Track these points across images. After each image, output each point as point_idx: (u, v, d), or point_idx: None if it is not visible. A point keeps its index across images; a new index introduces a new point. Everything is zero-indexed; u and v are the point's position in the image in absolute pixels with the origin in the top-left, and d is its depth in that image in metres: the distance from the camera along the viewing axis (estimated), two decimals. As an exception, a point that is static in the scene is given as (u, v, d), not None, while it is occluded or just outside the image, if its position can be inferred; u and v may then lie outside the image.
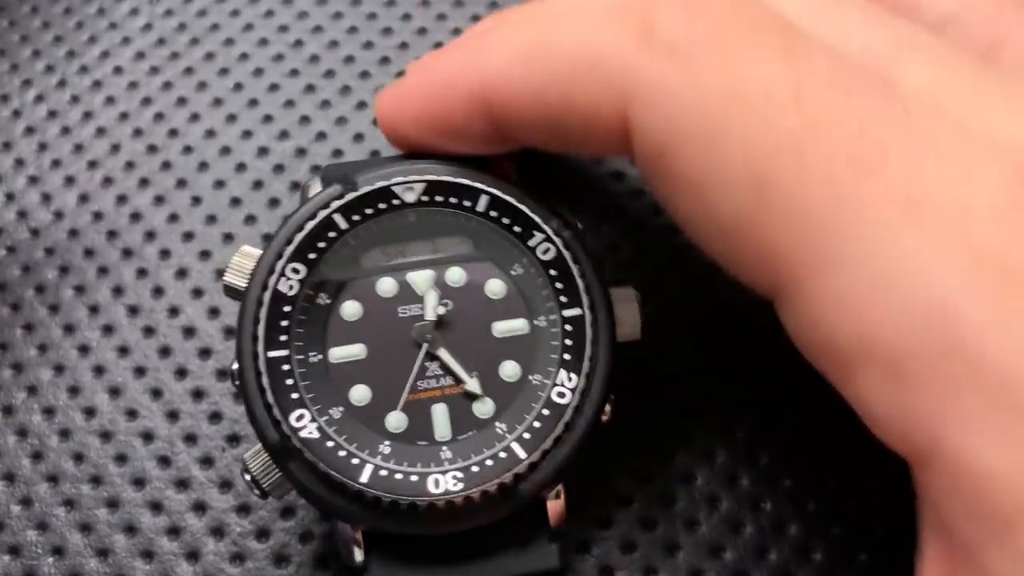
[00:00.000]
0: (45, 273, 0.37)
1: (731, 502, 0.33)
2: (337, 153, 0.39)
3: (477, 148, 0.29)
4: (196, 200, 0.38)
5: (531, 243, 0.29)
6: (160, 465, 0.33)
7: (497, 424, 0.28)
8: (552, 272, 0.29)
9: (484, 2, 0.42)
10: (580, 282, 0.29)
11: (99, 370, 0.35)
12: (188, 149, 0.39)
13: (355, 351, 0.29)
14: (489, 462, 0.28)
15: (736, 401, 0.34)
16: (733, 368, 0.34)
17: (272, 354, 0.28)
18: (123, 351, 0.35)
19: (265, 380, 0.27)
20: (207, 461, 0.34)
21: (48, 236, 0.37)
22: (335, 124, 0.39)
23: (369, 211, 0.29)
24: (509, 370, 0.29)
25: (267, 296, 0.28)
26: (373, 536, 0.28)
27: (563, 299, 0.29)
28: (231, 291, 0.29)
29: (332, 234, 0.29)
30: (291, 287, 0.28)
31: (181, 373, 0.35)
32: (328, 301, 0.29)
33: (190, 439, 0.34)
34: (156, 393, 0.35)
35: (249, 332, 0.28)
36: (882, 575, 0.32)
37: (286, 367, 0.28)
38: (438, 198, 0.29)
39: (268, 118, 0.39)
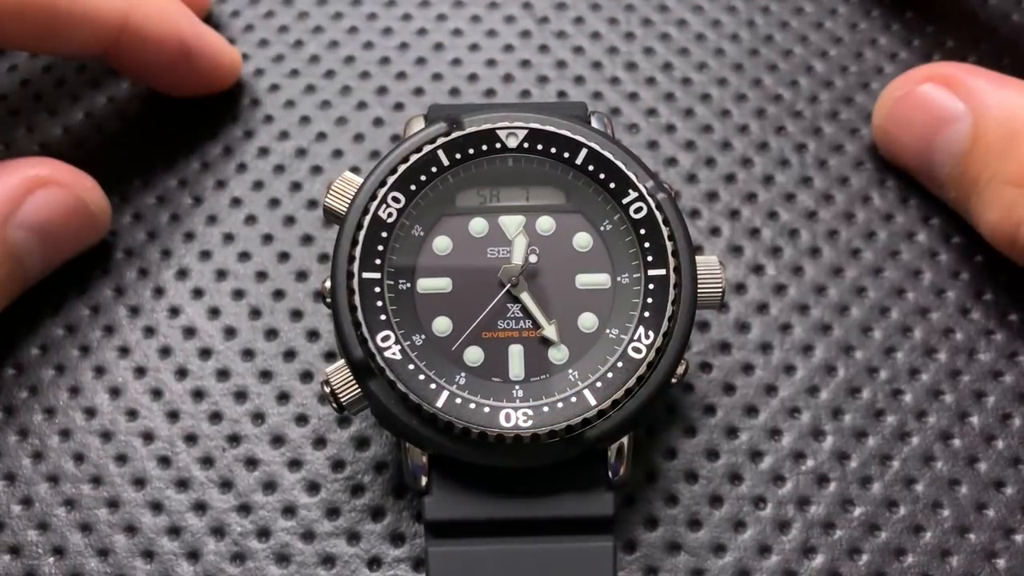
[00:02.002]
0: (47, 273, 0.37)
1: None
2: (337, 153, 0.39)
3: None
4: (197, 200, 0.38)
5: (624, 200, 0.30)
6: (160, 465, 0.33)
7: (570, 371, 0.29)
8: (642, 231, 0.30)
9: (483, 2, 0.42)
10: (668, 244, 0.29)
11: (99, 370, 0.35)
12: (191, 150, 0.39)
13: (442, 284, 0.30)
14: (560, 404, 0.28)
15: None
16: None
17: (366, 275, 0.29)
18: (123, 351, 0.35)
19: (357, 299, 0.29)
20: (207, 461, 0.34)
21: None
22: (335, 124, 0.39)
23: (471, 151, 0.30)
24: (587, 321, 0.30)
25: (367, 220, 0.29)
26: (437, 464, 0.29)
27: (649, 258, 0.30)
28: (329, 214, 0.30)
29: (434, 169, 0.30)
30: (390, 215, 0.30)
31: (181, 373, 0.35)
32: (422, 233, 0.30)
33: (190, 439, 0.34)
34: (156, 393, 0.35)
35: (346, 253, 0.29)
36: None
37: (377, 290, 0.29)
38: (539, 147, 0.30)
39: (269, 118, 0.39)
